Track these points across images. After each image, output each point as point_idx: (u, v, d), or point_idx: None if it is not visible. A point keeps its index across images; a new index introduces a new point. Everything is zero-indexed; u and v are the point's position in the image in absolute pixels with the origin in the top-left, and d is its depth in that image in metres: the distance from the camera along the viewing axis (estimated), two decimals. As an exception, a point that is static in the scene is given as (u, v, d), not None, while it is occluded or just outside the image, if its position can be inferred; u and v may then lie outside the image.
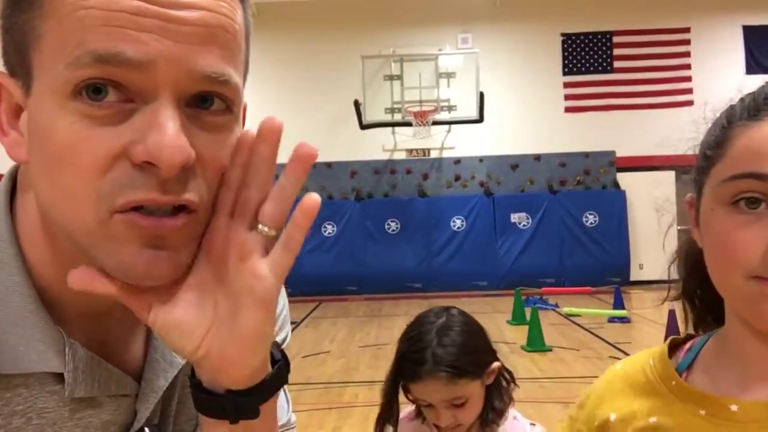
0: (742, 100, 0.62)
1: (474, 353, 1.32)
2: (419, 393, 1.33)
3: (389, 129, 10.68)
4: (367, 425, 4.21)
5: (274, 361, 0.54)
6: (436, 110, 10.25)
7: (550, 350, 6.10)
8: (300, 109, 10.95)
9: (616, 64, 11.24)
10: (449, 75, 10.56)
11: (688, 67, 11.17)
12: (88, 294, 0.51)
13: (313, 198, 0.50)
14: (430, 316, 1.41)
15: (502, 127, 10.94)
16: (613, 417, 0.71)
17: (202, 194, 0.49)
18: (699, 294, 0.71)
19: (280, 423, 0.69)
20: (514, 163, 11.14)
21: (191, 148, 0.46)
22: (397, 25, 11.10)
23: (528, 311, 7.06)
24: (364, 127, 10.17)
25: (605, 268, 10.68)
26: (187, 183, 0.47)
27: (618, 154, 11.09)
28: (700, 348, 0.70)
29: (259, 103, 10.28)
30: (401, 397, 1.43)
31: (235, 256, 0.49)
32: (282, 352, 0.55)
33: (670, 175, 11.19)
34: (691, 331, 0.74)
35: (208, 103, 0.49)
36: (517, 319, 7.58)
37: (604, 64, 11.29)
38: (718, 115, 0.64)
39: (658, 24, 11.12)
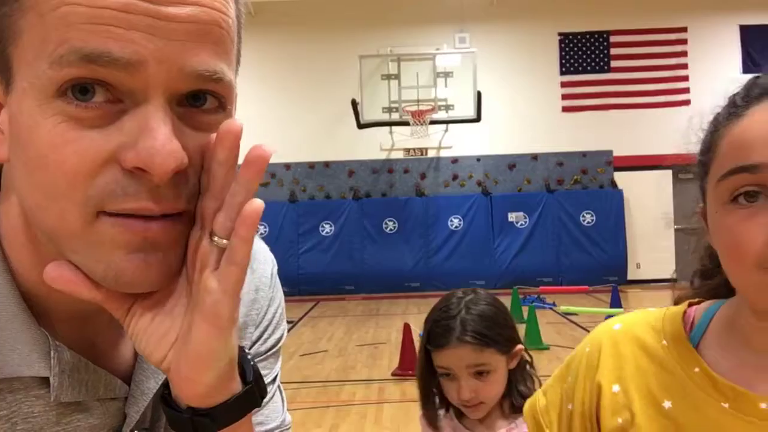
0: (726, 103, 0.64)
1: (501, 326, 1.35)
2: (445, 359, 1.34)
3: (387, 128, 10.68)
4: (364, 423, 4.22)
5: (246, 382, 0.50)
6: (433, 110, 10.26)
7: (548, 349, 6.11)
8: (298, 109, 10.96)
9: (614, 63, 11.26)
10: (446, 74, 10.56)
11: (685, 66, 11.19)
12: (67, 297, 0.50)
13: (255, 205, 0.45)
14: (458, 292, 1.44)
15: (499, 127, 10.95)
16: (616, 389, 0.67)
17: (194, 196, 0.48)
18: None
19: (274, 424, 0.69)
20: (512, 162, 11.15)
21: (184, 152, 0.45)
22: (395, 24, 11.11)
23: (525, 310, 7.08)
24: (361, 126, 10.17)
25: (602, 267, 10.70)
26: (178, 187, 0.46)
27: (615, 154, 11.11)
28: (707, 321, 0.66)
29: (257, 102, 10.32)
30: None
31: (198, 267, 0.47)
32: (256, 373, 0.51)
33: (667, 175, 11.22)
34: None
35: (201, 101, 0.47)
36: (515, 317, 7.58)
37: (602, 63, 11.31)
38: (714, 114, 0.65)
39: (655, 24, 11.14)
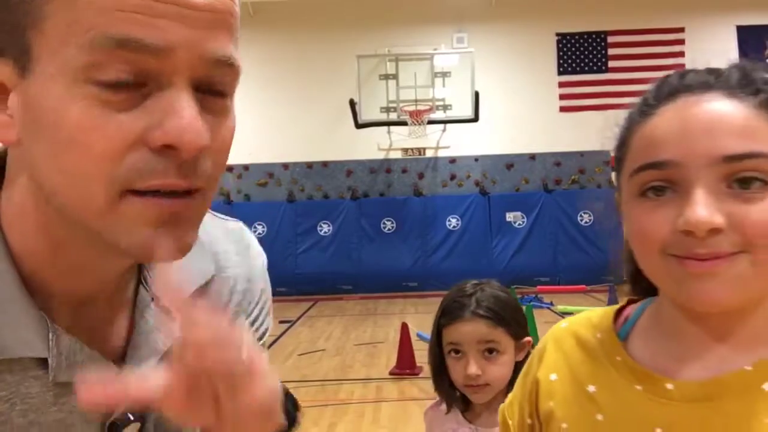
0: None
1: (514, 310, 1.39)
2: (457, 334, 1.36)
3: (385, 128, 10.69)
4: (362, 422, 4.24)
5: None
6: (431, 109, 10.27)
7: (545, 348, 6.13)
8: (296, 109, 10.97)
9: (611, 63, 11.28)
10: (444, 74, 10.57)
11: (682, 66, 11.16)
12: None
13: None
14: (471, 281, 1.47)
15: (497, 127, 10.97)
16: (554, 377, 0.74)
17: (209, 176, 0.50)
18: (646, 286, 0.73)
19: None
20: (510, 162, 11.17)
21: (208, 132, 0.47)
22: (393, 24, 11.12)
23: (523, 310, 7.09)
24: (359, 126, 10.18)
25: (600, 266, 10.71)
26: (199, 165, 0.48)
27: (613, 154, 11.12)
28: (638, 316, 0.72)
29: (255, 102, 10.33)
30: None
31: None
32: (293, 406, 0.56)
33: (664, 175, 11.26)
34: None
35: (215, 86, 0.49)
36: (512, 317, 7.61)
37: (599, 63, 11.33)
38: (629, 111, 0.70)
39: (652, 24, 11.17)
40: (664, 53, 11.23)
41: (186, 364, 0.44)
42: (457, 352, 1.36)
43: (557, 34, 11.34)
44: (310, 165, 11.27)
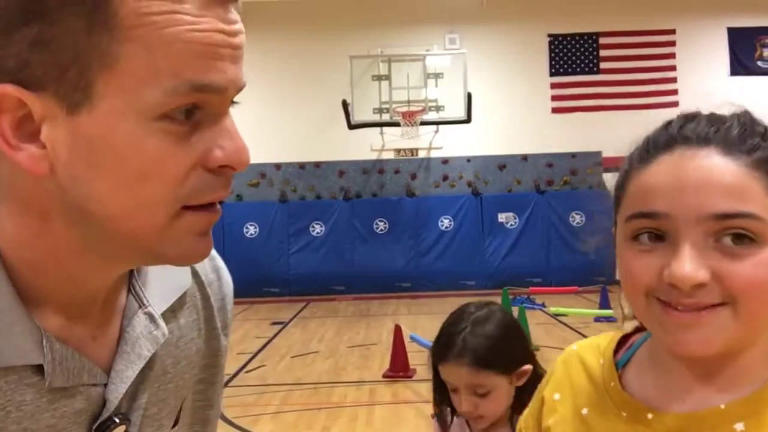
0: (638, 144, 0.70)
1: (504, 350, 1.34)
2: (446, 374, 1.37)
3: (377, 129, 10.68)
4: (355, 425, 4.22)
5: None
6: (424, 110, 10.27)
7: (537, 350, 6.10)
8: (288, 109, 10.94)
9: (603, 65, 11.32)
10: (437, 75, 10.57)
11: (673, 68, 11.27)
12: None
13: None
14: (471, 306, 1.44)
15: (489, 128, 10.98)
16: (557, 397, 0.78)
17: None
18: None
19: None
20: (502, 163, 11.19)
21: None
22: (385, 25, 11.11)
23: (515, 311, 7.10)
24: (352, 127, 10.16)
25: (591, 267, 10.71)
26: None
27: (604, 155, 11.16)
28: (639, 345, 0.75)
29: (247, 102, 10.21)
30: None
31: None
32: None
33: (655, 176, 11.31)
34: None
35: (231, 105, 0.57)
36: (505, 318, 7.61)
37: (591, 65, 11.37)
38: (630, 151, 0.72)
39: (643, 26, 11.22)
40: (656, 55, 11.28)
41: None
42: (451, 385, 1.37)
43: (549, 36, 11.37)
44: (302, 165, 11.25)
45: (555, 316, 7.89)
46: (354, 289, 10.74)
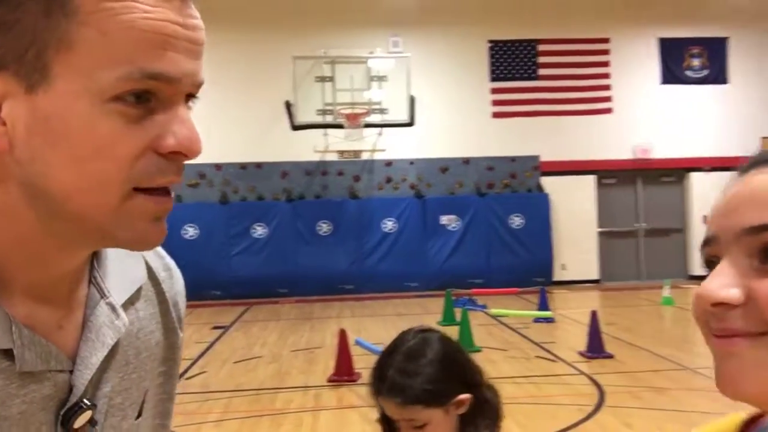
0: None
1: (435, 382, 1.32)
2: (382, 406, 1.36)
3: (321, 130, 10.64)
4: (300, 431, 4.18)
5: None
6: (367, 113, 10.30)
7: (480, 351, 6.24)
8: (229, 109, 10.74)
9: (541, 71, 11.63)
10: (381, 78, 10.63)
11: (607, 76, 11.69)
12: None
13: None
14: (408, 336, 1.41)
15: (432, 131, 11.11)
16: None
17: None
18: None
19: None
20: (444, 166, 11.34)
21: None
22: (329, 26, 11.07)
23: (458, 312, 7.21)
24: (295, 128, 10.09)
25: (530, 268, 11.04)
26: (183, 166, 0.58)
27: (542, 159, 11.49)
28: None
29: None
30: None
31: None
32: None
33: (590, 179, 11.70)
34: None
35: (188, 100, 0.59)
36: (448, 320, 7.72)
37: (530, 71, 11.66)
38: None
39: (580, 34, 11.60)
40: (591, 62, 11.68)
41: None
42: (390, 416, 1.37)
43: (489, 41, 11.59)
44: (243, 166, 11.07)
45: (496, 317, 8.05)
46: (297, 292, 10.66)
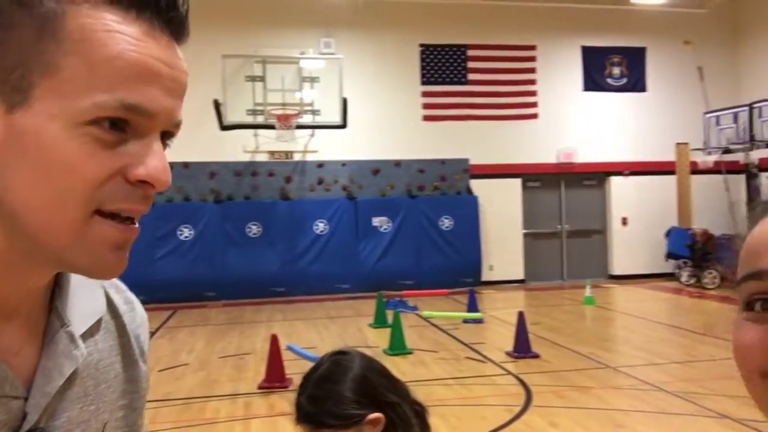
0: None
1: (342, 405, 1.34)
2: None
3: (251, 131, 10.45)
4: (231, 443, 4.09)
5: None
6: (299, 114, 10.20)
7: (411, 353, 6.30)
8: (155, 106, 10.38)
9: (470, 76, 11.86)
10: (312, 79, 10.55)
11: (533, 82, 12.05)
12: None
13: None
14: (322, 361, 1.43)
15: (364, 133, 11.13)
16: None
17: None
18: None
19: None
20: (376, 168, 11.38)
21: None
22: (259, 25, 10.90)
23: (389, 314, 7.24)
24: (224, 127, 9.87)
25: (459, 269, 11.24)
26: (151, 197, 0.59)
27: (471, 162, 11.72)
28: None
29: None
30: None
31: None
32: None
33: (517, 182, 12.04)
34: None
35: (167, 137, 0.61)
36: (379, 322, 7.75)
37: (459, 75, 11.87)
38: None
39: (508, 40, 11.90)
40: (518, 69, 12.01)
41: None
42: None
43: (421, 45, 11.72)
44: (170, 166, 10.71)
45: (427, 319, 8.14)
46: (226, 295, 10.43)
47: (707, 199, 11.87)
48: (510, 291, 11.19)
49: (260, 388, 5.13)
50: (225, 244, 10.69)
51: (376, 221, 11.18)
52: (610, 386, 5.06)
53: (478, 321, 7.93)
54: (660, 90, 12.42)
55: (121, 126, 0.55)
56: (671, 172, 12.12)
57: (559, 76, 12.09)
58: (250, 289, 10.49)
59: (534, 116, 11.95)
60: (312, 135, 10.86)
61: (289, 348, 5.68)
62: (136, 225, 0.59)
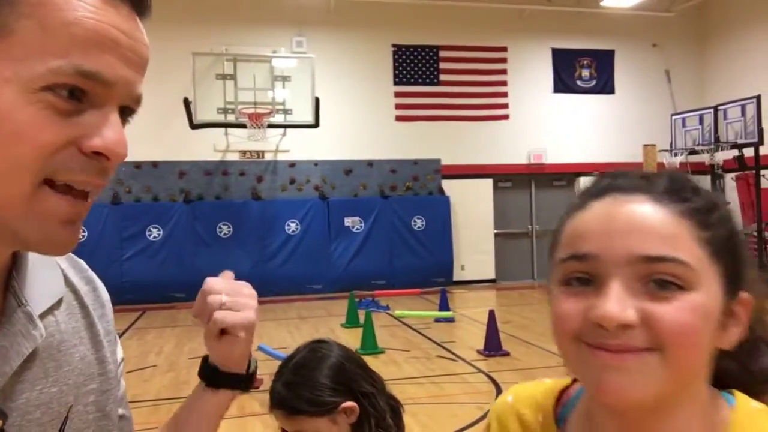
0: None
1: (316, 391, 1.34)
2: (277, 421, 1.38)
3: (222, 129, 10.35)
4: (200, 445, 4.02)
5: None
6: (271, 113, 10.12)
7: (383, 352, 6.30)
8: (123, 104, 10.22)
9: (442, 77, 11.92)
10: (284, 78, 10.48)
11: (504, 83, 12.16)
12: None
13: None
14: (302, 347, 1.43)
15: (336, 133, 11.10)
16: None
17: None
18: None
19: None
20: (348, 168, 11.35)
21: None
22: (230, 23, 10.79)
23: (362, 314, 7.23)
24: (194, 126, 9.74)
25: (431, 269, 11.28)
26: (109, 172, 0.58)
27: (443, 163, 11.77)
28: (577, 398, 0.73)
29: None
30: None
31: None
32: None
33: (488, 183, 12.13)
34: None
35: (127, 114, 0.61)
36: (351, 322, 7.73)
37: (431, 76, 11.92)
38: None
39: (479, 42, 11.99)
40: (490, 70, 12.10)
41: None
42: None
43: (393, 45, 11.74)
44: (138, 165, 10.56)
45: (399, 318, 8.15)
46: (195, 296, 10.16)
47: (673, 199, 12.10)
48: (481, 290, 11.26)
49: (230, 388, 5.07)
50: (195, 244, 10.56)
51: (349, 221, 11.15)
52: (579, 383, 5.13)
53: (450, 320, 7.96)
54: (628, 92, 12.64)
55: (78, 96, 0.54)
56: (639, 173, 12.33)
57: (530, 77, 12.22)
58: (221, 289, 10.37)
59: (505, 117, 12.05)
60: (284, 134, 10.79)
61: (261, 348, 5.63)
62: (89, 200, 0.58)
